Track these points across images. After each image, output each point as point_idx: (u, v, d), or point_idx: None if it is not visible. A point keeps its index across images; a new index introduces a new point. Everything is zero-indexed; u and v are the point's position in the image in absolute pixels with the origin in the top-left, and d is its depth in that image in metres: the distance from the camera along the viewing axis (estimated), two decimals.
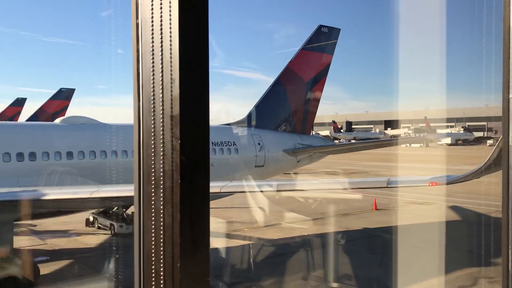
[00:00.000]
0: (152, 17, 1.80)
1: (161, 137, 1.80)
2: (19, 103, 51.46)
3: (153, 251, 1.80)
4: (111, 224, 25.56)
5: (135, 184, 1.93)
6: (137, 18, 1.86)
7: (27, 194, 15.98)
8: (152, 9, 1.79)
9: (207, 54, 1.84)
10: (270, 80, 29.94)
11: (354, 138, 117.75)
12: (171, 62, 1.77)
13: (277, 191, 14.30)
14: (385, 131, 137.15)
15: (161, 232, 1.80)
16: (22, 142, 20.90)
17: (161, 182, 1.80)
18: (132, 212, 26.08)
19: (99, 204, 21.72)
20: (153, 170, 1.83)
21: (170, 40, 1.76)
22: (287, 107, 29.71)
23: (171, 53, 1.77)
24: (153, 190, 1.82)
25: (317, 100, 31.26)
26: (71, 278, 18.38)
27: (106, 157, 22.53)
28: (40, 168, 20.52)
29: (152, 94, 1.82)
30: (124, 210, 26.18)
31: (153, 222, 1.82)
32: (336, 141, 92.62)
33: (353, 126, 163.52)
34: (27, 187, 18.46)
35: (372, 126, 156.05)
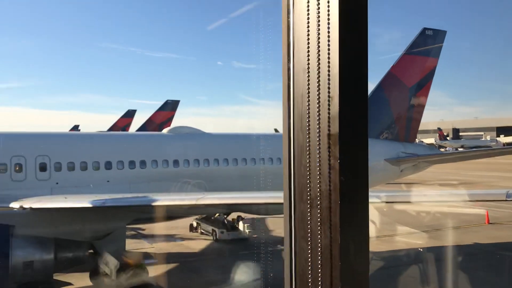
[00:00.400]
0: (308, 35, 1.78)
1: (318, 156, 1.77)
2: (130, 114, 55.48)
3: (309, 272, 1.76)
4: (213, 230, 26.50)
5: (286, 202, 1.91)
6: (288, 36, 1.85)
7: (137, 200, 17.03)
8: (308, 26, 1.77)
9: (366, 70, 1.78)
10: (372, 87, 29.16)
11: (462, 146, 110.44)
12: (328, 79, 1.74)
13: (386, 202, 13.75)
14: (497, 138, 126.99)
15: (319, 253, 1.75)
16: (133, 151, 22.39)
17: (318, 202, 1.76)
18: (233, 219, 26.89)
19: (204, 210, 22.56)
20: (308, 190, 1.80)
21: (328, 58, 1.73)
22: (389, 114, 28.70)
23: (328, 70, 1.73)
24: (308, 210, 1.79)
25: (421, 106, 29.81)
26: (176, 281, 19.18)
27: (209, 165, 23.38)
28: (149, 175, 21.85)
29: (307, 111, 1.80)
30: (225, 216, 27.00)
31: (308, 242, 1.79)
32: (442, 150, 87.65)
33: (460, 134, 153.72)
34: (137, 193, 19.74)
35: (482, 133, 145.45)
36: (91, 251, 16.93)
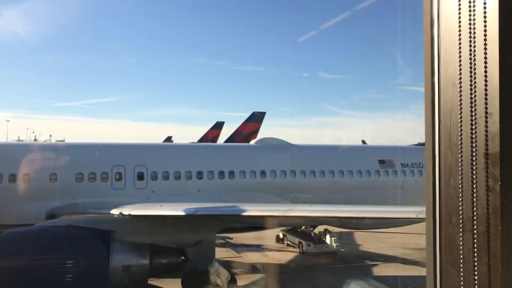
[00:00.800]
0: (460, 48, 1.67)
1: (472, 176, 1.65)
2: (219, 126, 57.14)
3: None
4: (299, 242, 26.32)
5: (429, 223, 1.80)
6: (432, 49, 1.75)
7: (228, 209, 17.36)
8: (459, 39, 1.66)
9: None
10: None
11: None
12: (485, 94, 1.62)
13: None
14: None
15: (474, 281, 1.62)
16: (223, 162, 22.97)
17: (472, 227, 1.64)
18: (320, 232, 26.56)
19: (291, 222, 22.52)
20: (460, 213, 1.68)
21: (485, 71, 1.60)
22: None
23: (486, 85, 1.61)
24: (460, 234, 1.67)
25: None
26: None
27: (295, 176, 23.35)
28: (238, 185, 22.28)
29: (458, 129, 1.69)
30: (311, 229, 26.73)
31: (460, 269, 1.67)
32: None
33: None
34: (227, 202, 20.15)
35: None
36: (183, 258, 17.48)
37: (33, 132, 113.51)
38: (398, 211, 14.68)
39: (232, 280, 16.37)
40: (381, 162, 25.20)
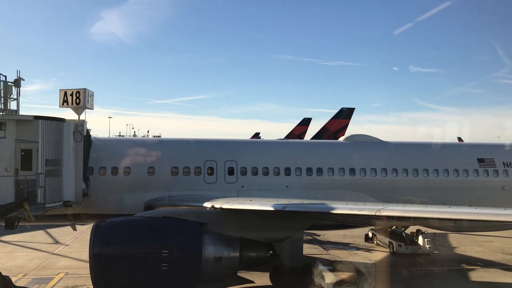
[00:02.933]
0: None
1: None
2: (305, 122, 57.14)
3: None
4: (390, 242, 25.53)
5: None
6: None
7: (316, 206, 17.21)
8: None
9: None
10: None
11: None
12: None
13: None
14: None
15: None
16: (310, 159, 22.84)
17: None
18: (412, 233, 25.52)
19: (382, 222, 21.86)
20: None
21: None
22: None
23: None
24: None
25: None
26: None
27: (387, 175, 22.61)
28: (326, 182, 22.05)
29: None
30: (403, 229, 25.79)
31: None
32: None
33: None
34: (314, 199, 20.04)
35: None
36: (271, 252, 17.67)
37: (132, 128, 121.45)
38: (500, 214, 13.58)
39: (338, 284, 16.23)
40: (480, 160, 23.64)
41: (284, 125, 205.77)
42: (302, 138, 53.23)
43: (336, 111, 51.29)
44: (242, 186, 21.23)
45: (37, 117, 17.62)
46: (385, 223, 22.87)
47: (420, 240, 24.83)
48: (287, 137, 53.57)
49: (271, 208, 16.03)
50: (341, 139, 25.97)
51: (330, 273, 16.48)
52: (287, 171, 21.89)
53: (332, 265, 20.71)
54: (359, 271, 21.53)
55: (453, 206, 15.87)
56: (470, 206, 15.60)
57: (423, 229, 24.73)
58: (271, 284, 18.25)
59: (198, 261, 15.41)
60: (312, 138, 48.48)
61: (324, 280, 16.21)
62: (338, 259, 24.18)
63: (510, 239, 28.00)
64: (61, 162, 18.64)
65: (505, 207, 16.48)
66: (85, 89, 19.50)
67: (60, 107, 19.67)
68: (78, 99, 19.38)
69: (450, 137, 38.93)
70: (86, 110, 19.89)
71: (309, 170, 22.12)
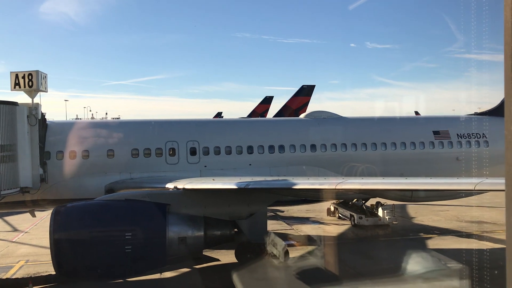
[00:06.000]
0: None
1: None
2: (267, 101, 57.11)
3: None
4: (351, 215, 26.20)
5: (508, 195, 1.75)
6: None
7: (278, 183, 17.42)
8: None
9: None
10: None
11: None
12: None
13: None
14: None
15: None
16: (272, 136, 22.99)
17: None
18: (372, 205, 26.28)
19: (342, 195, 22.37)
20: None
21: None
22: None
23: None
24: None
25: None
26: (319, 263, 19.30)
27: (347, 149, 23.06)
28: (288, 159, 22.31)
29: None
30: (363, 202, 26.49)
31: None
32: None
33: None
34: (277, 176, 20.27)
35: None
36: (236, 230, 17.84)
37: (90, 111, 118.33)
38: (455, 183, 14.10)
39: (288, 251, 16.56)
40: (436, 133, 24.41)
41: (246, 104, 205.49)
42: (265, 116, 53.31)
43: (297, 88, 51.53)
44: (205, 166, 21.19)
45: None
46: (346, 196, 23.49)
47: (380, 212, 25.59)
48: (250, 115, 53.49)
49: (234, 186, 16.12)
50: (302, 116, 26.20)
51: (281, 240, 16.79)
52: (250, 149, 21.97)
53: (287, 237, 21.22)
54: (311, 238, 21.94)
55: (410, 177, 16.39)
56: (427, 177, 16.14)
57: (382, 201, 25.51)
58: (237, 261, 18.44)
59: (163, 242, 15.39)
60: (274, 116, 48.62)
61: (276, 248, 16.51)
62: (302, 233, 24.69)
63: (465, 207, 29.23)
64: (15, 147, 18.03)
65: (459, 177, 17.18)
66: (37, 71, 18.80)
67: (12, 90, 18.94)
68: (30, 81, 18.69)
69: (407, 111, 39.86)
70: (40, 93, 19.22)
71: (271, 148, 22.27)
